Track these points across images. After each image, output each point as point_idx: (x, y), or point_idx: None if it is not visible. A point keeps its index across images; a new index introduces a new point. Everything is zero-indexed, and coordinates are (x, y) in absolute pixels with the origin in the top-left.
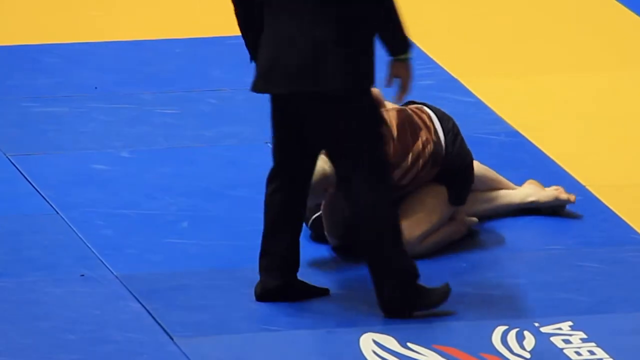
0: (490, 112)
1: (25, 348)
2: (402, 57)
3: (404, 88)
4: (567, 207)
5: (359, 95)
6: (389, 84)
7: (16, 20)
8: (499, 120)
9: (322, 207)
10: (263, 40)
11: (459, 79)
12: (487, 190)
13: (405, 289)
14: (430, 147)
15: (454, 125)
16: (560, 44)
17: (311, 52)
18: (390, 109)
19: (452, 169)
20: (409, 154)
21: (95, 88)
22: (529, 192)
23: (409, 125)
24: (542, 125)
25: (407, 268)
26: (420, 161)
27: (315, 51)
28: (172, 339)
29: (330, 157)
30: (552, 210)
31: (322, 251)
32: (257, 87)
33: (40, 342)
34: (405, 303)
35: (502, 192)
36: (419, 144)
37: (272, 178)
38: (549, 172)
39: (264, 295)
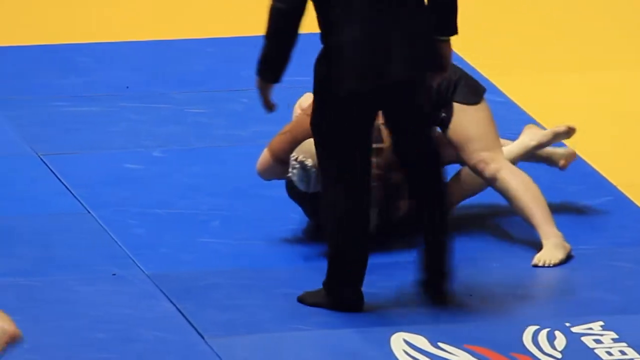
0: (520, 112)
1: (55, 346)
2: (448, 37)
3: (447, 68)
4: (598, 206)
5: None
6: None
7: (47, 19)
8: (529, 120)
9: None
10: (344, 41)
11: (489, 78)
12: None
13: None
14: None
15: None
16: (593, 41)
17: (416, 39)
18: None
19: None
20: None
21: (127, 87)
22: (528, 137)
23: None
24: (572, 123)
25: None
26: None
27: (419, 37)
28: (203, 338)
29: (405, 136)
30: (555, 142)
31: None
32: (363, 84)
33: (70, 341)
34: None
35: (504, 149)
36: None
37: (348, 183)
38: (580, 171)
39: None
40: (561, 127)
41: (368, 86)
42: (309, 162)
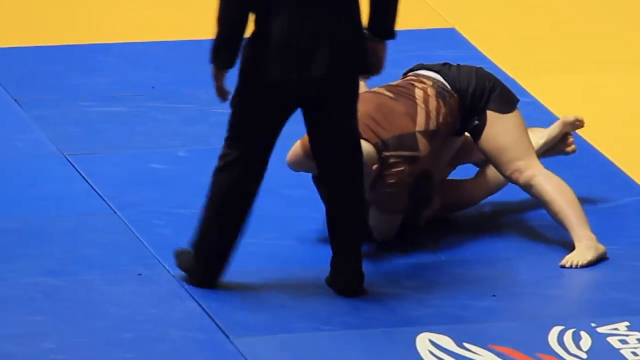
0: (547, 112)
1: (81, 346)
2: (385, 40)
3: (380, 68)
4: (624, 206)
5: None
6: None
7: (74, 20)
8: (555, 120)
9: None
10: (271, 31)
11: (516, 79)
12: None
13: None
14: (430, 90)
15: (457, 66)
16: (620, 41)
17: (350, 36)
18: (377, 89)
19: (467, 90)
20: (417, 105)
21: (153, 87)
22: (536, 137)
23: (398, 91)
24: (598, 124)
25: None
26: (431, 102)
27: (348, 37)
28: (228, 338)
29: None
30: (564, 136)
31: (375, 249)
32: (284, 76)
33: (96, 340)
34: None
35: None
36: (419, 93)
37: (235, 162)
38: (605, 171)
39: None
40: (569, 118)
41: (289, 78)
42: None
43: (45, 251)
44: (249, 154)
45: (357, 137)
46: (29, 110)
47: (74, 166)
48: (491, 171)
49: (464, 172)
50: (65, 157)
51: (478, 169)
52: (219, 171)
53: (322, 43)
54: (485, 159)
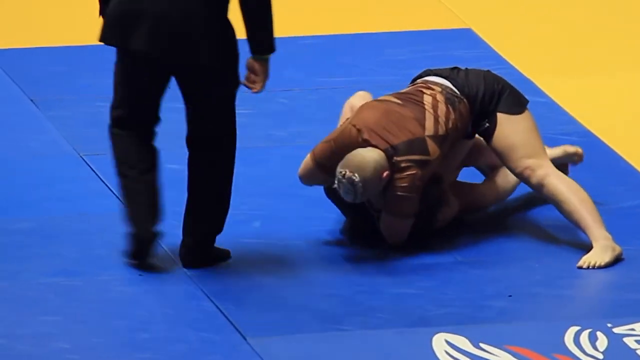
0: (563, 113)
1: (97, 347)
2: (266, 56)
3: (262, 85)
4: (639, 206)
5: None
6: (250, 80)
7: (88, 20)
8: (571, 121)
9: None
10: None
11: (532, 79)
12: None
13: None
14: (439, 96)
15: (465, 70)
16: (636, 41)
17: (189, 20)
18: (385, 99)
19: (477, 95)
20: (425, 111)
21: (169, 87)
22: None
23: (407, 97)
24: (615, 125)
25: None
26: (440, 108)
27: (190, 20)
28: (244, 338)
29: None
30: (563, 163)
31: (390, 250)
32: (108, 38)
33: (112, 341)
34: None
35: None
36: (428, 99)
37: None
38: (622, 172)
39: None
40: (571, 148)
41: (115, 43)
42: (356, 177)
43: (60, 251)
44: (129, 115)
45: (222, 126)
46: (45, 110)
47: (89, 166)
48: (500, 177)
49: (469, 177)
50: (81, 157)
51: (483, 176)
52: (110, 132)
53: (146, 19)
54: (491, 166)
